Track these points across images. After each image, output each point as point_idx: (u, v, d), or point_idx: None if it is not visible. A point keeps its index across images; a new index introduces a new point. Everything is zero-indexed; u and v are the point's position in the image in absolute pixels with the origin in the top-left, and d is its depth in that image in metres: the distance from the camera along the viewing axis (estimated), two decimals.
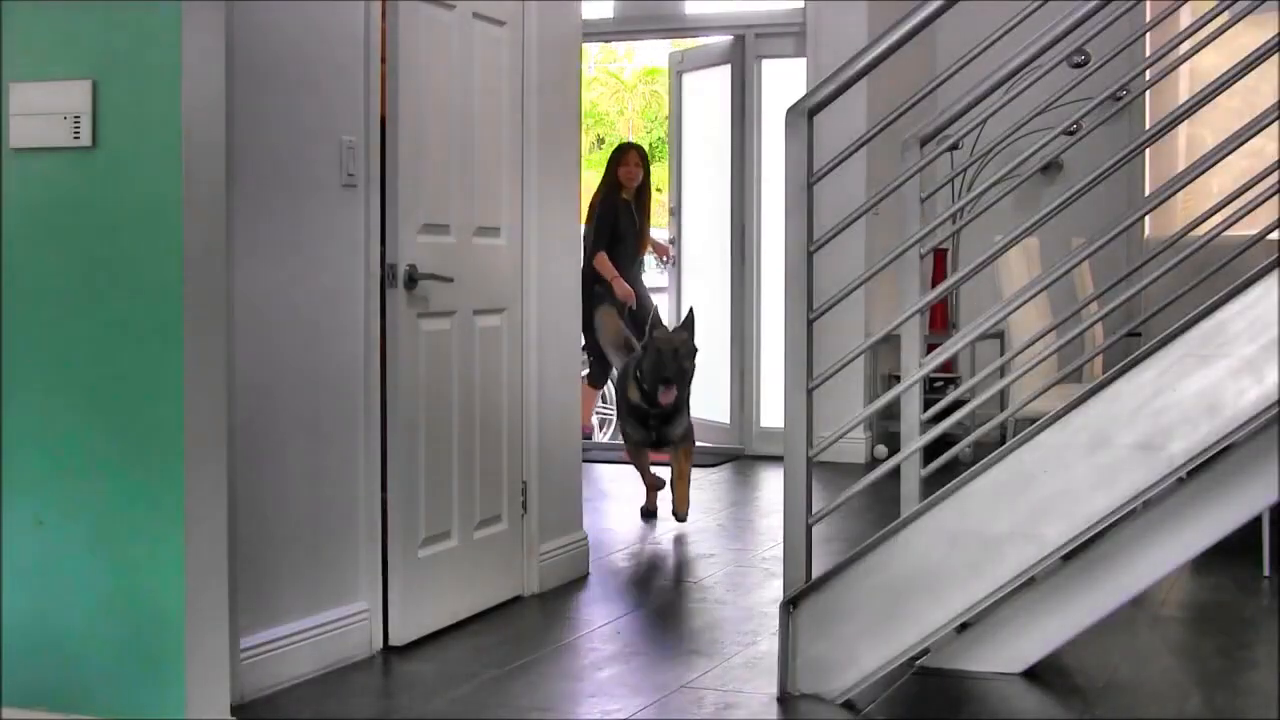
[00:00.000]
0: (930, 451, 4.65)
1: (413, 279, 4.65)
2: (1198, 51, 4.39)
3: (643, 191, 8.89)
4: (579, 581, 5.58)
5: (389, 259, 4.61)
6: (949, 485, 4.10)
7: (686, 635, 4.86)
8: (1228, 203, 4.10)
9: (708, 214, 9.48)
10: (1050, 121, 5.19)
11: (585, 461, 8.31)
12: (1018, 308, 4.45)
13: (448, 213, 4.88)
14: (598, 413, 10.13)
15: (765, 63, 9.08)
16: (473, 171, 5.01)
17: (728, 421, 9.12)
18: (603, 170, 8.97)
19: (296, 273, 4.28)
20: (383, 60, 4.58)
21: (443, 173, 4.84)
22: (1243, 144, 3.97)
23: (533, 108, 5.32)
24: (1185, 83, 8.10)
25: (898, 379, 6.34)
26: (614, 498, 7.61)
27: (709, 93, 9.44)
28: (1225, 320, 3.88)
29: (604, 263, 8.53)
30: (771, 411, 8.83)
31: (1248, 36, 4.33)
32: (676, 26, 9.30)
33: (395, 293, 4.62)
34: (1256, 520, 5.19)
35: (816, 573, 4.16)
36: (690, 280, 9.66)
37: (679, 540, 6.46)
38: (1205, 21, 4.22)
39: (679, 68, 9.68)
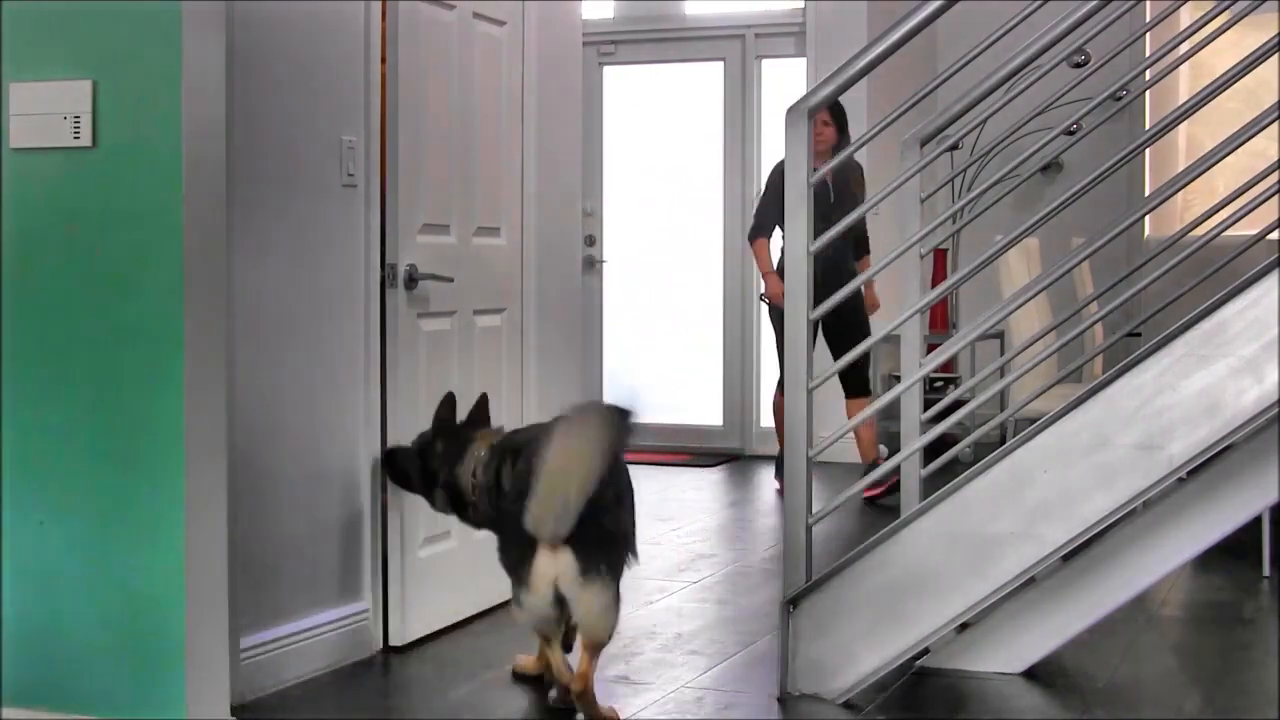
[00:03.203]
0: (930, 451, 4.65)
1: (413, 279, 4.65)
2: (1198, 51, 4.40)
3: (836, 157, 7.60)
4: None
5: (389, 259, 4.61)
6: (949, 485, 4.10)
7: (686, 635, 4.86)
8: (1228, 203, 4.10)
9: (659, 215, 9.26)
10: (1050, 121, 5.20)
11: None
12: (1018, 308, 4.45)
13: (448, 213, 4.88)
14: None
15: (765, 63, 9.08)
16: (473, 171, 5.01)
17: (721, 423, 9.11)
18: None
19: (296, 273, 4.28)
20: (383, 60, 4.58)
21: (443, 173, 4.84)
22: (1243, 144, 3.97)
23: (532, 107, 5.32)
24: (1185, 83, 8.11)
25: (898, 379, 6.33)
26: None
27: (648, 90, 9.24)
28: (1225, 320, 3.87)
29: (761, 251, 7.13)
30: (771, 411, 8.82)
31: (1248, 39, 4.33)
32: (676, 26, 9.29)
33: (395, 293, 4.61)
34: (1256, 520, 5.19)
35: (816, 573, 4.16)
36: (621, 284, 9.31)
37: (679, 540, 6.46)
38: (1205, 21, 4.23)
39: (603, 60, 9.33)
